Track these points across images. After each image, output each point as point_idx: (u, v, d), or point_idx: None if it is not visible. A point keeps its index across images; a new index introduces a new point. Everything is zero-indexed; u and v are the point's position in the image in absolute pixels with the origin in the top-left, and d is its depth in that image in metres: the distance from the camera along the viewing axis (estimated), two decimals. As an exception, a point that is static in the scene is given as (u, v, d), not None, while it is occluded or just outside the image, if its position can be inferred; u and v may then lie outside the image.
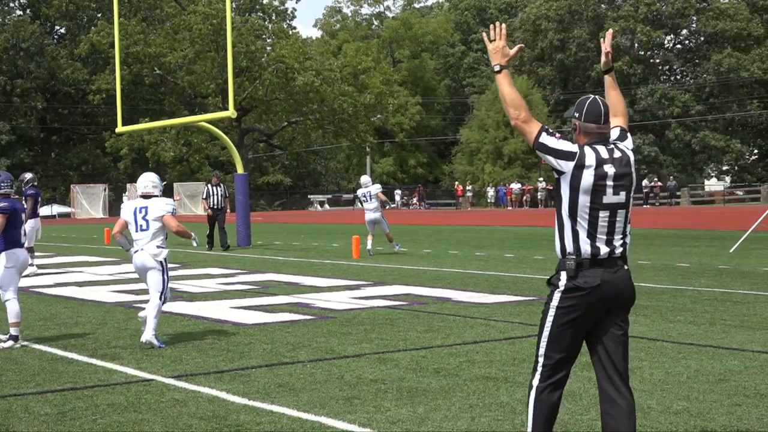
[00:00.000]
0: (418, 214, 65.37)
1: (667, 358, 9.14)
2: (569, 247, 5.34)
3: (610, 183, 5.30)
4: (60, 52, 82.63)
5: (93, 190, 75.67)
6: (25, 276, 19.49)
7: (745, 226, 25.61)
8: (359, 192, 24.79)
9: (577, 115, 5.46)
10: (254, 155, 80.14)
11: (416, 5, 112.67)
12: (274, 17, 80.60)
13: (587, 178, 5.27)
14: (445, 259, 22.17)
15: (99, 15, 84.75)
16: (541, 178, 71.35)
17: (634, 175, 5.43)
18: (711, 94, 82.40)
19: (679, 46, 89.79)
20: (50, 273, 20.63)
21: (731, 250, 22.30)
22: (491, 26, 5.58)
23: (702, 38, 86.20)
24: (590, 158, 5.29)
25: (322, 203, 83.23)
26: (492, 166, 77.07)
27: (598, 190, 5.28)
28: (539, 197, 70.36)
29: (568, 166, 5.29)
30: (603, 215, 5.29)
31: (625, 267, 5.41)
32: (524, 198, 71.21)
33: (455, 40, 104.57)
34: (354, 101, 65.80)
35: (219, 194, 27.16)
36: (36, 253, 22.23)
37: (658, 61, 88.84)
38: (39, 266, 21.62)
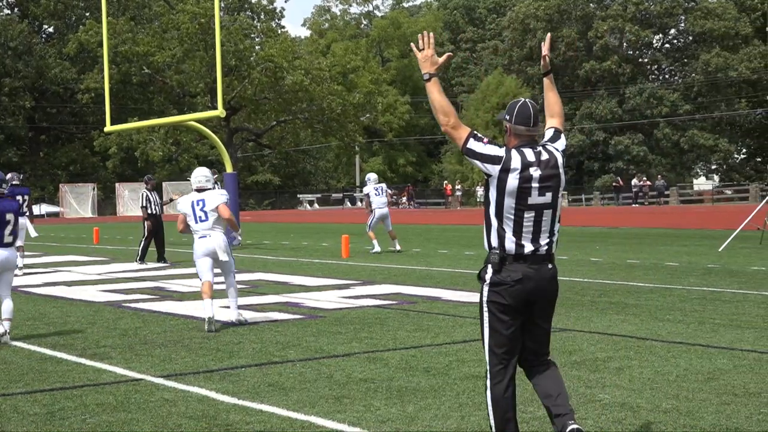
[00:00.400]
0: (408, 213, 65.37)
1: (656, 357, 9.16)
2: (494, 243, 5.58)
3: (535, 185, 5.51)
4: (48, 51, 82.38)
5: (81, 189, 75.52)
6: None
7: (733, 225, 25.67)
8: (371, 187, 24.27)
9: (508, 117, 5.66)
10: (243, 154, 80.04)
11: (405, 4, 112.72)
12: (262, 16, 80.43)
13: (512, 181, 5.49)
14: (435, 258, 22.18)
15: (87, 14, 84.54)
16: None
17: (562, 176, 5.64)
18: (699, 93, 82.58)
19: (667, 45, 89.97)
20: (39, 272, 20.57)
21: (720, 249, 22.35)
22: (420, 36, 5.79)
23: (690, 38, 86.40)
24: (516, 161, 5.50)
25: (311, 202, 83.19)
26: (480, 166, 77.04)
27: (523, 192, 5.50)
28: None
29: (494, 170, 5.50)
30: (528, 216, 5.52)
31: (550, 265, 5.63)
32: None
33: (444, 40, 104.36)
34: (343, 100, 65.70)
35: None
36: (25, 253, 22.10)
37: (646, 60, 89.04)
38: (27, 266, 21.55)
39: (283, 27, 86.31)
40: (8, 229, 11.08)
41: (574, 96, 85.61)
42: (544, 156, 5.59)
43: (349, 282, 17.00)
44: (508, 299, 5.53)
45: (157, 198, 23.31)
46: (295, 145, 77.71)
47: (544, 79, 6.08)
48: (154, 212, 22.81)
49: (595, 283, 15.91)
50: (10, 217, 11.11)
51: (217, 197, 11.88)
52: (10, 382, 8.62)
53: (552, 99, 6.02)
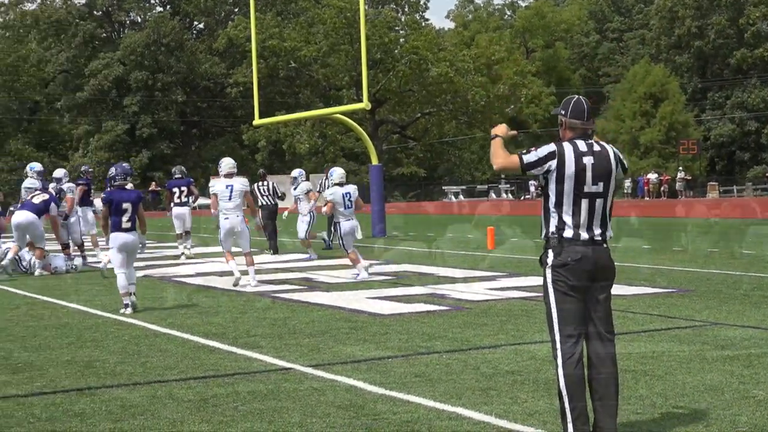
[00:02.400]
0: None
1: (814, 352, 8.88)
2: (553, 228, 6.08)
3: (589, 173, 6.00)
4: (198, 47, 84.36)
5: (231, 182, 77.15)
6: (173, 263, 20.23)
7: None
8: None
9: (563, 112, 6.17)
10: (388, 146, 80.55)
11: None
12: (406, 9, 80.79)
13: (570, 167, 5.98)
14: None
15: (236, 10, 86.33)
16: (680, 168, 69.79)
17: (613, 168, 6.09)
18: None
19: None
20: (191, 263, 21.13)
21: None
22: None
23: None
24: (569, 151, 6.01)
25: (456, 194, 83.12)
26: (628, 156, 75.82)
27: (579, 177, 5.99)
28: (678, 187, 68.78)
29: (553, 164, 6.01)
30: (583, 203, 6.02)
31: (605, 245, 6.12)
32: (662, 188, 69.74)
33: (589, 29, 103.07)
34: (487, 92, 65.55)
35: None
36: (190, 243, 23.34)
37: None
38: (177, 256, 22.21)
39: (427, 19, 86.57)
40: (126, 216, 12.87)
41: (725, 85, 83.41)
42: (597, 148, 6.07)
43: (495, 274, 16.95)
44: (572, 278, 5.96)
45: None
46: (439, 137, 77.95)
47: None
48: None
49: (748, 276, 15.50)
50: (127, 206, 12.88)
51: (356, 192, 16.72)
52: (165, 369, 8.89)
53: None
